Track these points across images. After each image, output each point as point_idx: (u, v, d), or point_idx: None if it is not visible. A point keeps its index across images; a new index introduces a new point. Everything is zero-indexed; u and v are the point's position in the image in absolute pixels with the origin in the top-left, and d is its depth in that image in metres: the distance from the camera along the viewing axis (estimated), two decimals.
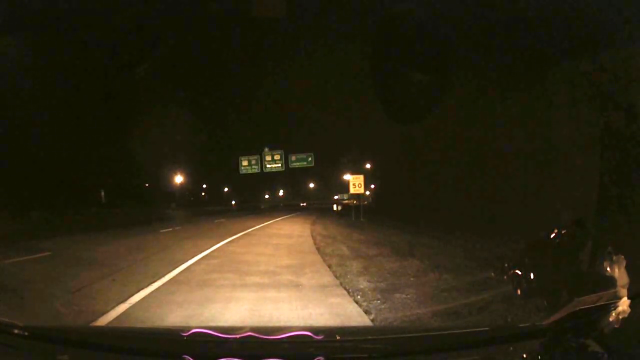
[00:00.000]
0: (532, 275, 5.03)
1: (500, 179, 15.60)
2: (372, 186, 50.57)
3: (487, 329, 2.07)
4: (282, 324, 4.32)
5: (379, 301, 5.17)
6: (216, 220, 25.60)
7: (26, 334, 1.75)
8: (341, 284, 6.29)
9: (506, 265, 5.84)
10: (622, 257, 1.79)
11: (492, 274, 6.30)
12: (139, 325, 4.25)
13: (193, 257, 9.09)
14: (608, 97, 7.86)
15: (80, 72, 22.69)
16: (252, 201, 68.83)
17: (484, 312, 4.60)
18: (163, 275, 6.88)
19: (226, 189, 68.49)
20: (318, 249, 10.85)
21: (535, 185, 13.02)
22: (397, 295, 5.46)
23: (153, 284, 6.20)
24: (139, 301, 5.25)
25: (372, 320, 4.47)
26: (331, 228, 19.16)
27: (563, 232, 5.00)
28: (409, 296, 5.40)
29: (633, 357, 1.64)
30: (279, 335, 1.74)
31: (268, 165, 39.54)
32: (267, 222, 24.72)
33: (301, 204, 64.75)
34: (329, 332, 2.11)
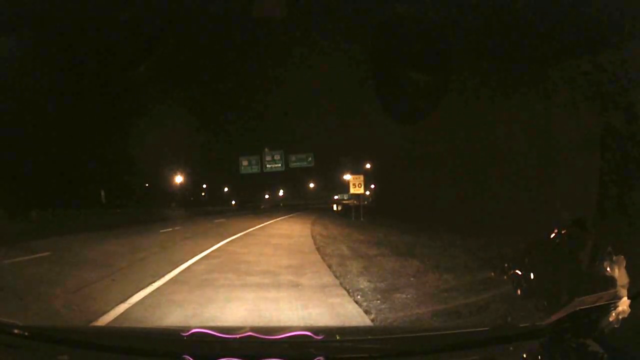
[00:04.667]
0: (532, 275, 5.03)
1: (500, 179, 15.61)
2: (372, 186, 50.55)
3: (487, 329, 2.07)
4: (282, 324, 4.32)
5: (379, 301, 5.17)
6: (216, 220, 25.60)
7: (26, 334, 1.75)
8: (341, 284, 6.29)
9: (506, 265, 5.84)
10: (622, 257, 1.79)
11: (492, 274, 6.30)
12: (139, 325, 4.24)
13: (193, 257, 9.09)
14: (608, 97, 7.86)
15: (80, 72, 22.70)
16: (252, 201, 68.82)
17: (484, 312, 4.60)
18: (163, 275, 6.88)
19: (226, 189, 68.53)
20: (318, 249, 10.85)
21: (535, 185, 13.02)
22: (397, 295, 5.46)
23: (153, 284, 6.20)
24: (138, 301, 5.25)
25: (372, 320, 4.47)
26: (331, 228, 19.16)
27: (563, 232, 5.00)
28: (409, 296, 5.40)
29: (633, 357, 1.64)
30: (279, 335, 1.74)
31: (268, 165, 39.46)
32: (267, 222, 24.72)
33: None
34: (329, 332, 2.11)
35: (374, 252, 10.04)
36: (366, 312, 4.75)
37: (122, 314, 4.70)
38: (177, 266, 7.82)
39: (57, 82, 22.29)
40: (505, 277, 5.71)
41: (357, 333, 2.56)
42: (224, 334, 1.84)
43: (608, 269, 1.78)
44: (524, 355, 1.70)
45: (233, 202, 66.73)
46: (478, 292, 5.49)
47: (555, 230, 5.10)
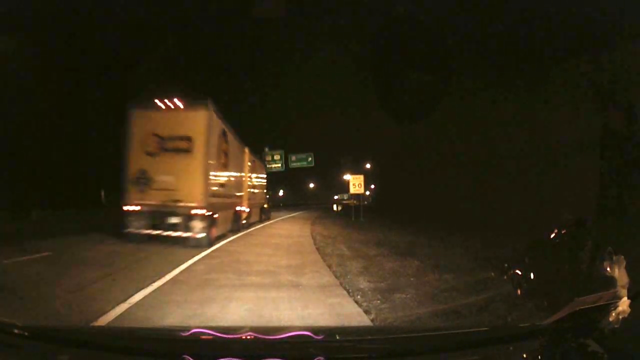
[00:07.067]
0: (532, 275, 5.04)
1: (501, 179, 15.62)
2: (372, 186, 50.53)
3: (487, 329, 2.07)
4: (282, 324, 4.32)
5: (379, 301, 5.17)
6: None
7: (26, 334, 1.75)
8: (341, 284, 6.29)
9: (506, 265, 5.85)
10: (622, 257, 1.79)
11: (492, 274, 6.31)
12: (139, 325, 4.24)
13: (193, 257, 9.09)
14: (608, 97, 7.87)
15: (81, 71, 22.72)
16: None
17: (484, 312, 4.60)
18: (163, 275, 6.87)
19: None
20: (318, 249, 10.85)
21: (535, 185, 13.03)
22: (397, 295, 5.46)
23: (153, 284, 6.19)
24: (139, 301, 5.24)
25: (372, 320, 4.47)
26: (331, 228, 19.16)
27: (563, 232, 5.00)
28: (409, 296, 5.40)
29: (633, 357, 1.64)
30: (279, 335, 1.74)
31: (268, 165, 39.43)
32: (267, 222, 24.72)
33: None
34: (329, 332, 2.10)
35: (374, 252, 10.04)
36: (366, 312, 4.75)
37: (122, 313, 4.70)
38: (178, 266, 7.81)
39: (57, 81, 22.30)
40: (505, 277, 5.72)
41: (357, 333, 2.56)
42: (224, 334, 1.84)
43: (608, 269, 1.78)
44: (524, 355, 1.69)
45: None
46: (478, 292, 5.50)
47: (555, 230, 5.11)
